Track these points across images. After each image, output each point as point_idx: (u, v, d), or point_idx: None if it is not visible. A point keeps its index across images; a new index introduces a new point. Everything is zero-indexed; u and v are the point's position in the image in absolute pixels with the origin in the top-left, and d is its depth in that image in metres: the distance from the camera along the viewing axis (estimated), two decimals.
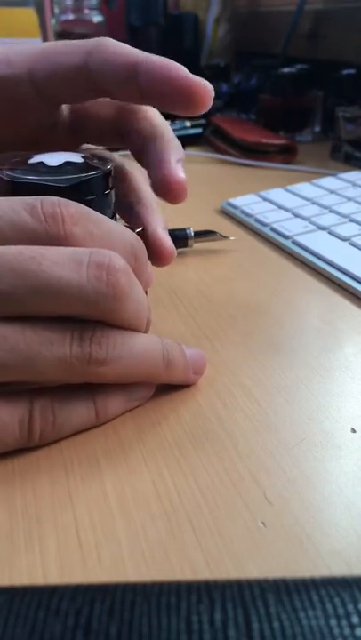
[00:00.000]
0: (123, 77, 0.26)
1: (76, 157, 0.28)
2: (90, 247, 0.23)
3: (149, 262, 0.28)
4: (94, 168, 0.27)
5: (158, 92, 0.26)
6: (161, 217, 0.32)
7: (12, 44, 0.27)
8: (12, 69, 0.28)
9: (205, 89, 0.27)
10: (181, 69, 0.26)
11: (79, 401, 0.25)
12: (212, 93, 0.27)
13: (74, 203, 0.23)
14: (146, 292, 0.27)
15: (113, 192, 0.28)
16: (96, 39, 0.27)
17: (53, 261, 0.22)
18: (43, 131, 0.31)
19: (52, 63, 0.28)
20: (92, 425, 0.26)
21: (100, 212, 0.25)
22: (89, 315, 0.23)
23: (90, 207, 0.24)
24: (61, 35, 0.91)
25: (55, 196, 0.23)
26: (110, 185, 0.28)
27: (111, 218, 0.28)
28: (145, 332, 0.27)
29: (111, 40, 0.27)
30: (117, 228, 0.25)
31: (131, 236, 0.26)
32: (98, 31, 0.92)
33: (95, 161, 0.28)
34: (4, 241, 0.22)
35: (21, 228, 0.23)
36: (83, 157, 0.28)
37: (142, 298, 0.26)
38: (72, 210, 0.23)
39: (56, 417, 0.24)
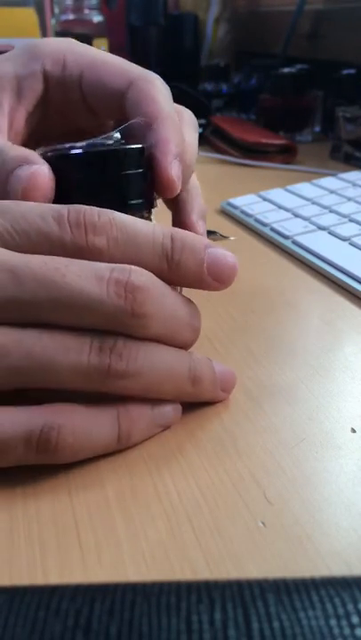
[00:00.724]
0: (143, 123, 0.28)
1: (104, 141, 0.28)
2: (115, 254, 0.23)
3: (200, 255, 0.25)
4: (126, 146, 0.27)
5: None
6: (176, 141, 0.28)
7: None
8: (66, 72, 0.31)
9: (174, 187, 0.28)
10: (170, 157, 0.27)
11: (102, 422, 0.24)
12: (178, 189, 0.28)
13: (98, 209, 0.23)
14: (198, 286, 0.26)
15: (148, 174, 0.27)
16: (144, 72, 0.30)
17: (77, 274, 0.22)
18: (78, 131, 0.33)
19: (99, 80, 0.31)
20: (113, 449, 0.24)
21: (135, 188, 0.26)
22: (111, 328, 0.23)
23: (125, 182, 0.26)
24: (61, 35, 0.91)
25: (88, 165, 0.25)
26: (143, 164, 0.27)
27: (148, 201, 0.28)
28: (188, 341, 0.26)
29: (155, 82, 0.30)
30: (145, 228, 0.24)
31: (161, 236, 0.25)
32: (98, 31, 0.92)
33: (123, 142, 0.28)
34: (30, 248, 0.23)
35: (48, 236, 0.23)
36: (112, 142, 0.28)
37: (174, 309, 0.25)
38: (95, 218, 0.23)
39: (76, 437, 0.23)
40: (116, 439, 0.24)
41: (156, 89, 0.29)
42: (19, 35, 1.15)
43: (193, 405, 0.28)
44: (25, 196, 0.25)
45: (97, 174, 0.26)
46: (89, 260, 0.23)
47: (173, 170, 0.27)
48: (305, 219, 0.50)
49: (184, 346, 0.26)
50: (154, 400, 0.25)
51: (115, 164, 0.26)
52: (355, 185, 0.56)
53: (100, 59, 0.31)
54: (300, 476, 0.23)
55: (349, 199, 0.53)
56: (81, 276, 0.22)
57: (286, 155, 0.73)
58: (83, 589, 0.17)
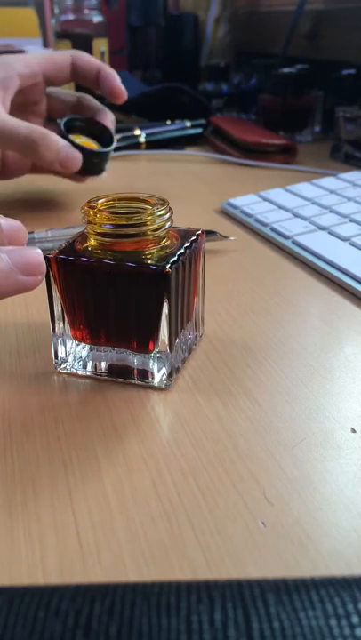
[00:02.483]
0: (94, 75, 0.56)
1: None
2: None
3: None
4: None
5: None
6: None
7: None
8: (31, 69, 0.53)
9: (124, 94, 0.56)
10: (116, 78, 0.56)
11: None
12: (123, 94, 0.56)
13: None
14: None
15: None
16: (76, 52, 0.56)
17: None
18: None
19: (54, 65, 0.55)
20: None
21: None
22: None
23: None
24: (61, 35, 0.91)
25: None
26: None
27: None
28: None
29: (84, 54, 0.56)
30: None
31: None
32: (98, 31, 0.92)
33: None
34: None
35: None
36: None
37: None
38: None
39: None
40: None
41: (90, 56, 0.56)
42: (19, 35, 1.15)
43: (193, 405, 0.28)
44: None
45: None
46: None
47: (121, 85, 0.55)
48: (305, 219, 0.50)
49: None
50: None
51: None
52: (355, 185, 0.56)
53: (44, 56, 0.55)
54: (300, 476, 0.23)
55: (349, 199, 0.53)
56: None
57: (286, 155, 0.73)
58: (83, 589, 0.17)
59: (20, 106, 0.54)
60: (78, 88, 0.68)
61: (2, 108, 0.50)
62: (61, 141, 0.50)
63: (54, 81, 0.55)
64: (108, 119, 0.57)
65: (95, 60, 0.55)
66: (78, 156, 0.51)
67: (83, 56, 0.55)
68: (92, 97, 0.58)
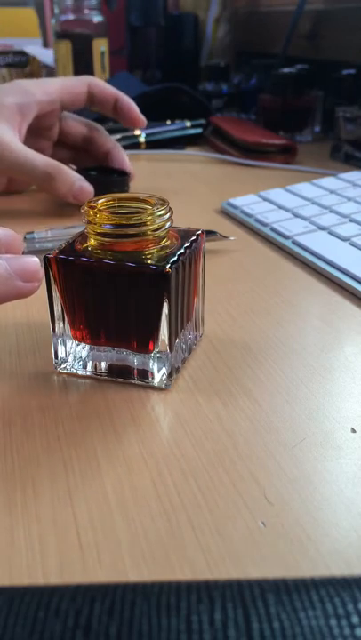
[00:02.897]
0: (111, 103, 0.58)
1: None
2: None
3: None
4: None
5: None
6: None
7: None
8: (49, 97, 0.55)
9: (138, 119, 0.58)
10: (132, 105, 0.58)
11: None
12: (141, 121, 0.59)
13: None
14: None
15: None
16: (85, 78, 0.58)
17: None
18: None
19: (71, 93, 0.56)
20: None
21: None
22: None
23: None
24: (61, 35, 0.91)
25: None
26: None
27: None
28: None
29: (99, 81, 0.58)
30: None
31: None
32: (98, 31, 0.92)
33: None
34: None
35: None
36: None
37: None
38: None
39: None
40: None
41: (105, 84, 0.58)
42: (19, 35, 1.15)
43: (193, 405, 0.28)
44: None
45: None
46: None
47: (140, 114, 0.58)
48: (305, 219, 0.50)
49: None
50: None
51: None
52: (355, 185, 0.56)
53: (61, 83, 0.56)
54: (300, 476, 0.23)
55: (349, 199, 0.53)
56: None
57: (286, 155, 0.73)
58: (83, 589, 0.17)
59: (34, 130, 0.56)
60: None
61: (18, 137, 0.52)
62: (75, 175, 0.52)
63: (70, 107, 0.57)
64: (122, 156, 0.59)
65: (111, 88, 0.57)
66: (91, 190, 0.53)
67: (99, 84, 0.57)
68: (104, 129, 0.61)
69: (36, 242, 0.43)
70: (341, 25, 0.84)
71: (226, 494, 0.23)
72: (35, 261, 0.28)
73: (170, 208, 0.28)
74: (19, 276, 0.27)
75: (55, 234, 0.44)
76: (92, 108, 0.59)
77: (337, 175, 0.60)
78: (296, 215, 0.51)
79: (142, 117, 0.58)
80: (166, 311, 0.27)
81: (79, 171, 0.56)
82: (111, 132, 0.79)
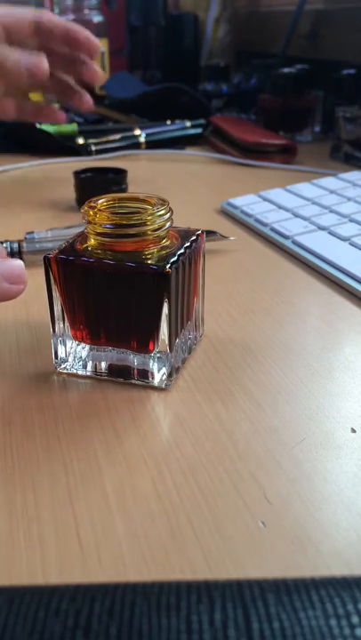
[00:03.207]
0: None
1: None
2: None
3: None
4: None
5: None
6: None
7: None
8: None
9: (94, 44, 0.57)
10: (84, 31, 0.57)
11: None
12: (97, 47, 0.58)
13: None
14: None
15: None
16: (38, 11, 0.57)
17: None
18: None
19: (12, 16, 0.55)
20: None
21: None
22: None
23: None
24: None
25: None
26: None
27: None
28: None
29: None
30: None
31: None
32: (98, 31, 0.92)
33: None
34: None
35: None
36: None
37: None
38: None
39: None
40: None
41: (55, 15, 0.58)
42: None
43: (193, 405, 0.28)
44: None
45: None
46: None
47: (98, 71, 0.58)
48: (305, 219, 0.50)
49: None
50: None
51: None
52: (355, 185, 0.56)
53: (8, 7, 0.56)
54: (300, 476, 0.23)
55: (349, 199, 0.53)
56: None
57: (286, 155, 0.73)
58: (83, 589, 0.17)
59: None
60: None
61: None
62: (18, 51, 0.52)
63: (13, 34, 0.55)
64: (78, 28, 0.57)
65: (61, 20, 0.56)
66: (42, 58, 0.52)
67: (47, 13, 0.57)
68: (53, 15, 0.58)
69: (36, 242, 0.43)
70: (341, 25, 0.84)
71: (226, 494, 0.23)
72: (20, 264, 0.28)
73: (170, 208, 0.28)
74: (5, 279, 0.28)
75: (55, 234, 0.44)
76: (43, 41, 0.56)
77: (337, 175, 0.60)
78: (296, 215, 0.51)
79: (97, 41, 0.56)
80: (166, 311, 0.27)
81: (75, 174, 0.55)
82: (111, 132, 0.79)
